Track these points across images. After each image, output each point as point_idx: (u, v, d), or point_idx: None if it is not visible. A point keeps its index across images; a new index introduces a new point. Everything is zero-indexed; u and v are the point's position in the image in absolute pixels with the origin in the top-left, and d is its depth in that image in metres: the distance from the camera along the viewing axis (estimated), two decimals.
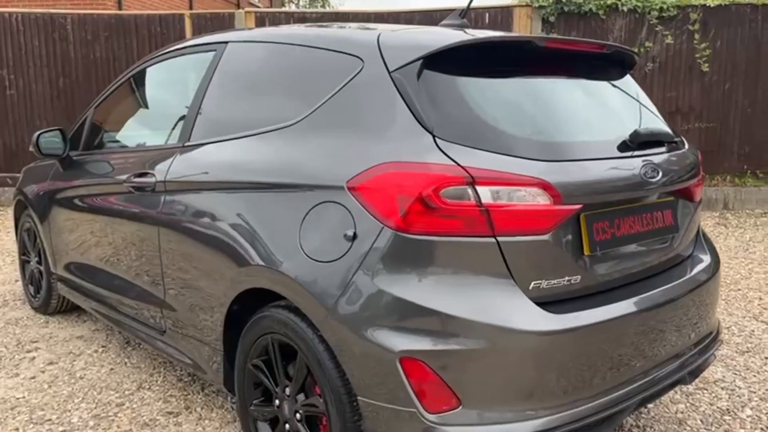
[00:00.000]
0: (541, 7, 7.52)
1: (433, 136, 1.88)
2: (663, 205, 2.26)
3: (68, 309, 4.15)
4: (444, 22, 2.57)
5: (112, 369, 3.33)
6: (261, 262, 2.14)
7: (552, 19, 7.56)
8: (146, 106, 3.43)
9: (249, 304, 2.32)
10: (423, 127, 1.89)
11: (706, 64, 7.46)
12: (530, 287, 1.87)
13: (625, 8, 7.47)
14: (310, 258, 1.98)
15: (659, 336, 2.13)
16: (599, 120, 2.26)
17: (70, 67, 8.02)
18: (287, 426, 2.20)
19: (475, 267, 1.83)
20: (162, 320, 2.83)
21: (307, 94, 2.24)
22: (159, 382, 3.17)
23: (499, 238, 1.82)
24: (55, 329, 3.93)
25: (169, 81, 3.24)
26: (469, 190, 1.80)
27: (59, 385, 3.15)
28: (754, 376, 3.25)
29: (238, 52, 2.65)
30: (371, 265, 1.84)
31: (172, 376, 3.23)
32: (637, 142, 2.18)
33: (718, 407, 2.93)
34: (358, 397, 1.91)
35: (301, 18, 7.92)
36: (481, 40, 2.06)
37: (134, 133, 3.38)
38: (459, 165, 1.81)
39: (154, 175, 2.74)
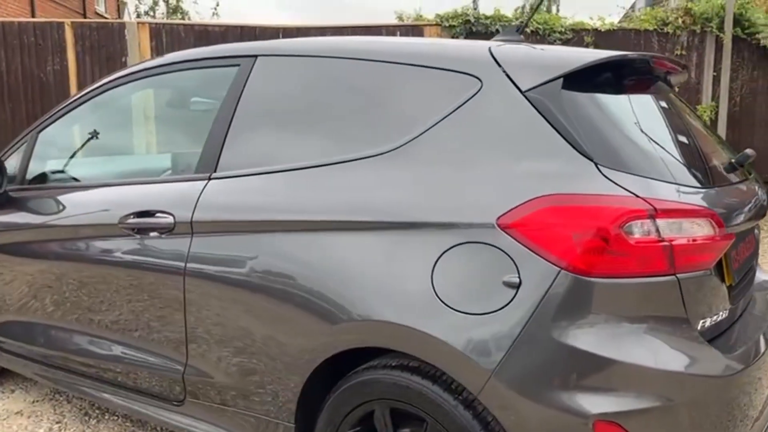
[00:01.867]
0: (451, 26, 7.58)
1: (595, 164, 1.66)
2: (751, 230, 2.22)
3: None
4: (500, 36, 2.37)
5: None
6: (371, 317, 1.79)
7: (461, 38, 7.64)
8: (130, 132, 2.87)
9: (329, 367, 1.95)
10: (581, 153, 1.67)
11: None
12: (699, 327, 1.71)
13: (528, 30, 7.74)
14: (455, 310, 1.67)
15: None
16: (704, 140, 2.17)
17: None
18: None
19: (657, 310, 1.64)
20: (180, 388, 2.32)
21: (405, 117, 1.93)
22: None
23: (679, 276, 1.64)
24: None
25: (162, 102, 2.72)
26: (652, 224, 1.60)
27: None
28: None
29: (280, 67, 2.26)
30: (547, 315, 1.58)
31: None
32: (741, 163, 2.11)
33: None
34: None
35: (203, 31, 7.31)
36: (616, 58, 1.87)
37: (114, 163, 2.81)
38: (638, 196, 1.61)
39: (169, 214, 2.25)
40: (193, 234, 2.20)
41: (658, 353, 1.60)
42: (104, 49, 7.02)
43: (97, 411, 3.08)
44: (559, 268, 1.58)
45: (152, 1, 24.96)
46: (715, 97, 8.35)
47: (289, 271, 1.96)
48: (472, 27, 7.60)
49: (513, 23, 7.71)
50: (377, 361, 1.88)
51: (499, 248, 1.64)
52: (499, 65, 1.84)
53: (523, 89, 1.78)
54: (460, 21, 7.56)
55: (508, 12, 7.77)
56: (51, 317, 2.72)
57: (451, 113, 1.85)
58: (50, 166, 2.92)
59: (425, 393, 1.74)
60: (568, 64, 1.79)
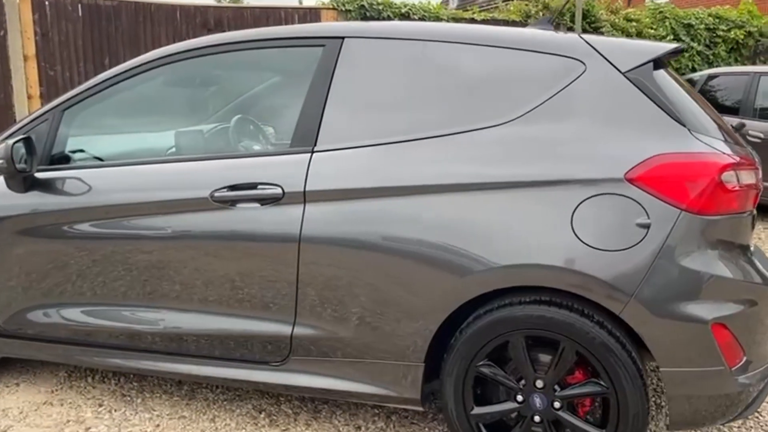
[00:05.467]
0: (347, 11, 7.86)
1: (688, 129, 2.15)
2: None
3: None
4: (534, 25, 2.78)
5: (157, 425, 2.73)
6: (517, 261, 2.13)
7: (357, 21, 7.95)
8: (189, 110, 2.84)
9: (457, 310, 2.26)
10: (676, 121, 2.15)
11: None
12: (748, 253, 2.28)
13: (416, 17, 8.26)
14: (596, 248, 2.07)
15: None
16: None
17: None
18: (536, 419, 2.23)
19: (742, 239, 2.18)
20: (285, 347, 2.46)
21: (518, 93, 2.27)
22: (236, 426, 2.73)
23: (751, 212, 2.19)
24: None
25: (227, 82, 2.75)
26: (734, 174, 2.12)
27: None
28: None
29: (376, 49, 2.45)
30: (672, 246, 2.04)
31: (237, 417, 2.80)
32: (739, 130, 2.74)
33: None
34: (661, 369, 2.08)
35: (93, 6, 6.82)
36: (678, 47, 2.37)
37: (174, 140, 2.78)
38: (724, 153, 2.12)
39: (276, 185, 2.38)
40: (306, 202, 2.35)
41: (744, 270, 2.15)
42: None
43: (133, 391, 3.05)
44: (679, 210, 2.05)
45: None
46: None
47: (434, 228, 2.22)
48: (366, 12, 7.94)
49: (402, 10, 8.18)
50: (508, 300, 2.22)
51: (630, 197, 2.07)
52: (597, 51, 2.26)
53: (623, 70, 2.21)
54: (356, 6, 7.87)
55: None
56: (123, 297, 2.66)
57: (563, 89, 2.23)
58: (88, 145, 2.81)
59: (564, 320, 2.12)
60: (653, 51, 2.26)
